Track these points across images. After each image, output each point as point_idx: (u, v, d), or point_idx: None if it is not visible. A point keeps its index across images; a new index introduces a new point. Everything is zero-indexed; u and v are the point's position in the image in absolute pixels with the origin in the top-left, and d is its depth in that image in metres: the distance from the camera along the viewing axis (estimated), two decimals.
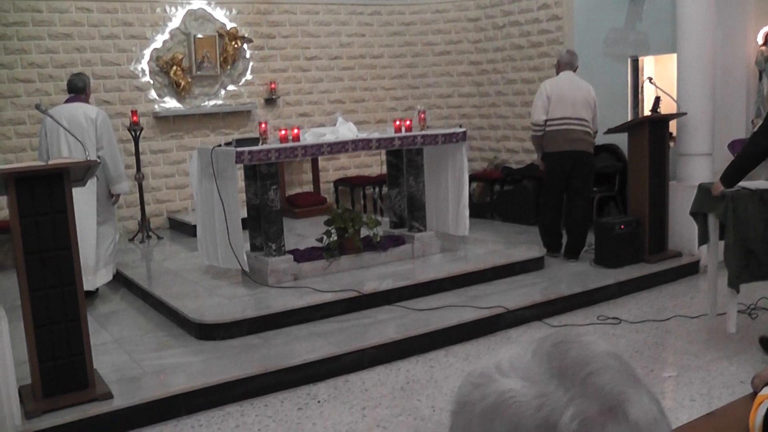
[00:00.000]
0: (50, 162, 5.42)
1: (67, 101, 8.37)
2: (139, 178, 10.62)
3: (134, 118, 10.31)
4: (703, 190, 6.68)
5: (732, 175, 6.34)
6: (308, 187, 12.68)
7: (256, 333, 6.72)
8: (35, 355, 5.34)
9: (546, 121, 8.81)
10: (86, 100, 8.43)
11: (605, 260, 8.54)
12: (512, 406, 0.88)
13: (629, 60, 10.86)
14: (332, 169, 12.93)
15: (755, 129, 7.76)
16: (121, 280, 8.98)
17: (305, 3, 12.78)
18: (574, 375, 0.88)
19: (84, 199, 7.22)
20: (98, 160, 5.60)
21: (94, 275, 8.00)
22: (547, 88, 8.90)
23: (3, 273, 9.57)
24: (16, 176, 5.24)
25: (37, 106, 5.98)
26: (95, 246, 8.02)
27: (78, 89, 8.39)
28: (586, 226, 9.07)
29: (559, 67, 9.13)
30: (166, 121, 11.67)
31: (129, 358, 6.42)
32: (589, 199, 9.37)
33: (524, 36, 12.33)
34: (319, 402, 5.76)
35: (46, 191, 5.31)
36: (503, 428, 0.87)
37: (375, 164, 13.02)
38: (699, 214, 6.77)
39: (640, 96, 10.88)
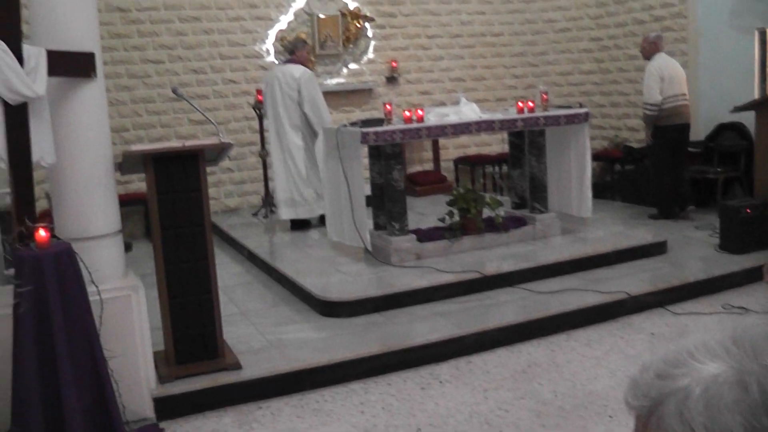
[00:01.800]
0: (187, 144, 5.62)
1: (285, 62, 9.83)
2: (263, 154, 10.86)
3: (259, 97, 10.54)
4: None
5: None
6: (428, 166, 12.77)
7: (379, 311, 6.85)
8: (169, 325, 5.60)
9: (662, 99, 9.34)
10: (296, 61, 9.64)
11: (730, 246, 8.34)
12: (732, 390, 0.91)
13: (756, 32, 10.56)
14: (452, 147, 12.99)
15: None
16: (245, 254, 9.25)
17: None
18: None
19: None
20: (231, 143, 5.77)
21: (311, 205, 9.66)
22: (658, 69, 9.44)
23: (134, 241, 9.94)
24: (155, 156, 5.46)
25: (174, 90, 6.20)
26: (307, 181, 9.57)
27: (289, 51, 9.88)
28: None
29: (657, 48, 9.61)
30: None
31: (255, 330, 6.63)
32: None
33: (646, 10, 12.11)
34: (441, 382, 5.84)
35: (182, 170, 5.52)
36: (733, 415, 0.90)
37: (495, 143, 13.03)
38: None
39: (767, 71, 10.59)
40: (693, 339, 1.00)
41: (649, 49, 9.65)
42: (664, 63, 9.59)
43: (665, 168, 9.70)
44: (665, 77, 9.48)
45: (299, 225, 9.85)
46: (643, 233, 8.88)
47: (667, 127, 9.55)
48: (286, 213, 9.80)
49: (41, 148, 4.96)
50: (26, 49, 4.78)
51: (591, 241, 8.51)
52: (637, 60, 12.25)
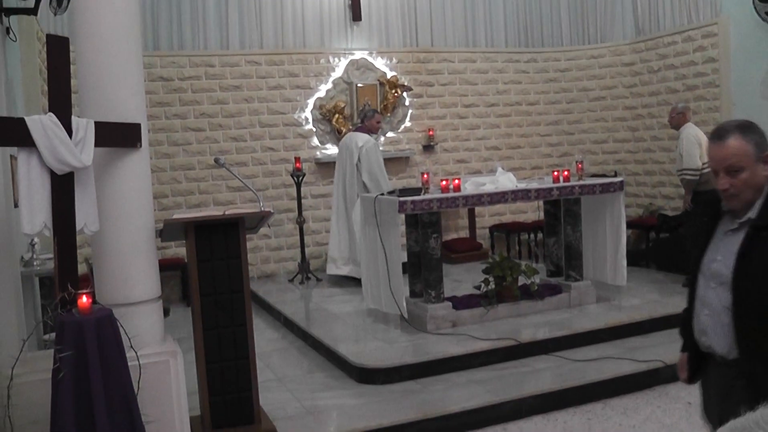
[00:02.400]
0: (228, 212, 5.72)
1: (356, 129, 10.29)
2: (300, 221, 10.99)
3: (297, 164, 10.71)
4: None
5: None
6: (464, 233, 12.83)
7: (415, 378, 6.87)
8: (206, 390, 5.64)
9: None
10: (364, 129, 10.07)
11: None
12: None
13: None
14: (488, 215, 13.06)
15: None
16: (281, 320, 9.32)
17: (463, 51, 13.03)
18: None
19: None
20: (271, 211, 5.88)
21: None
22: (696, 136, 9.58)
23: (170, 305, 10.06)
24: (196, 224, 5.56)
25: (216, 160, 6.33)
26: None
27: (360, 119, 10.23)
28: None
29: (685, 118, 9.83)
30: (327, 166, 12.05)
31: (291, 396, 6.67)
32: None
33: (679, 79, 12.21)
34: None
35: (222, 238, 5.61)
36: None
37: (530, 210, 13.09)
38: None
39: None
40: (760, 410, 1.07)
41: (678, 119, 9.86)
42: (696, 130, 9.79)
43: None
44: (702, 144, 9.57)
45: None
46: (678, 301, 8.81)
47: (706, 192, 9.58)
48: (332, 269, 10.30)
49: (85, 216, 5.06)
50: (75, 120, 4.91)
51: (626, 309, 8.50)
52: (670, 129, 12.33)
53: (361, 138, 9.95)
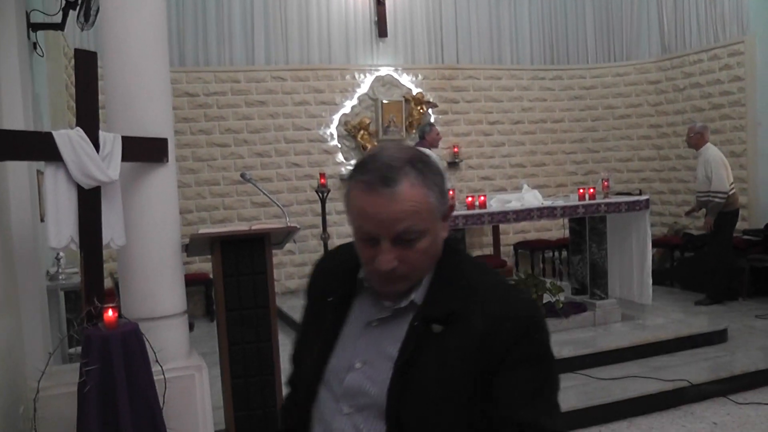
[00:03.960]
0: (254, 227, 5.74)
1: (415, 145, 9.75)
2: (325, 237, 11.00)
3: (322, 180, 10.72)
4: None
5: None
6: (488, 250, 12.80)
7: None
8: (231, 404, 5.63)
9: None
10: (425, 145, 9.90)
11: None
12: None
13: None
14: (512, 232, 13.03)
15: None
16: None
17: (488, 68, 13.05)
18: None
19: None
20: (297, 227, 5.88)
21: None
22: (721, 158, 9.75)
23: (195, 320, 10.07)
24: (222, 239, 5.57)
25: (242, 175, 6.34)
26: None
27: (420, 136, 10.19)
28: None
29: (704, 139, 9.95)
30: None
31: None
32: None
33: (705, 98, 12.18)
34: None
35: (248, 253, 5.61)
36: None
37: (555, 228, 13.06)
38: None
39: None
40: None
41: (696, 138, 9.94)
42: (719, 152, 9.93)
43: (729, 253, 10.00)
44: (727, 165, 9.82)
45: None
46: (703, 321, 8.82)
47: (728, 213, 9.85)
48: None
49: (112, 231, 5.08)
50: (102, 135, 4.94)
51: (651, 328, 8.44)
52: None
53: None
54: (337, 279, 2.13)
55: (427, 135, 10.19)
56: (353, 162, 12.10)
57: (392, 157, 1.89)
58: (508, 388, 1.88)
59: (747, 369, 7.45)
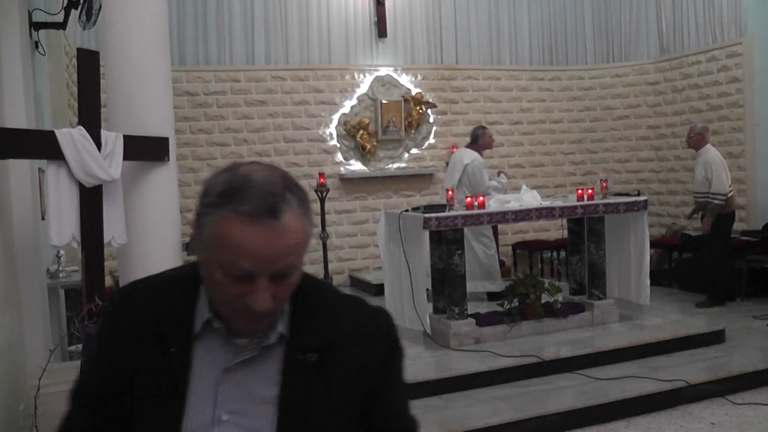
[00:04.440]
0: None
1: (467, 146, 10.31)
2: (324, 237, 11.03)
3: (321, 179, 10.75)
4: None
5: None
6: None
7: (438, 395, 6.86)
8: None
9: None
10: (476, 148, 10.04)
11: None
12: None
13: None
14: (511, 233, 13.05)
15: None
16: None
17: (488, 69, 13.09)
18: None
19: None
20: None
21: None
22: (721, 160, 9.80)
23: None
24: None
25: None
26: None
27: (472, 140, 10.27)
28: None
29: (704, 139, 9.97)
30: (350, 182, 12.12)
31: None
32: None
33: (703, 99, 12.21)
34: None
35: None
36: None
37: (553, 228, 13.09)
38: None
39: None
40: None
41: (696, 139, 9.95)
42: (718, 153, 9.95)
43: (728, 254, 10.00)
44: (726, 167, 9.83)
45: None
46: (701, 321, 8.84)
47: (726, 215, 9.85)
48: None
49: (113, 229, 5.12)
50: (104, 134, 4.97)
51: (649, 329, 8.47)
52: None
53: (468, 155, 9.97)
54: (167, 323, 1.79)
55: (480, 138, 10.16)
56: (352, 161, 12.14)
57: (270, 182, 1.65)
58: (390, 402, 1.89)
59: (745, 369, 7.47)
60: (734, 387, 7.23)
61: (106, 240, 5.09)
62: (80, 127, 4.85)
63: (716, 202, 9.58)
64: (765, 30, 10.84)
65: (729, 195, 9.68)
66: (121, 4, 5.39)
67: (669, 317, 8.93)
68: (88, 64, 4.99)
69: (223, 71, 11.56)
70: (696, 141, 9.95)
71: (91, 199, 4.94)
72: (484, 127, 10.44)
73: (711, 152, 9.81)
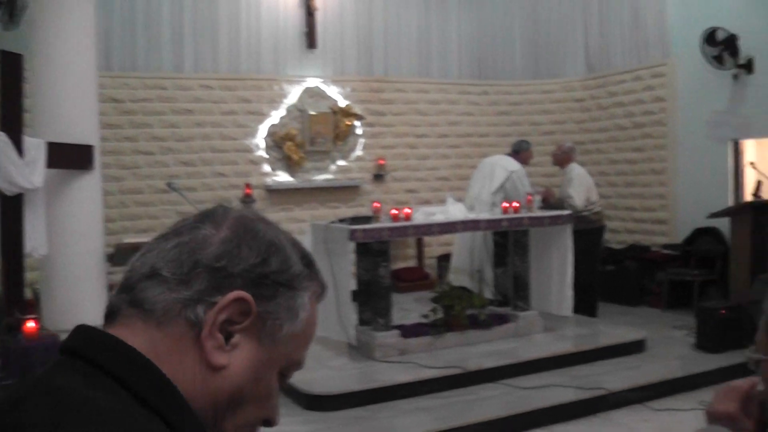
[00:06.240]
0: None
1: (507, 154, 10.47)
2: None
3: (247, 190, 10.73)
4: (764, 281, 7.80)
5: None
6: (412, 262, 12.89)
7: (363, 406, 6.87)
8: None
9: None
10: (518, 160, 10.16)
11: (707, 345, 8.49)
12: None
13: (731, 143, 10.93)
14: (436, 245, 13.12)
15: None
16: None
17: (417, 82, 13.16)
18: None
19: None
20: None
21: None
22: (586, 178, 10.14)
23: None
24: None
25: (169, 185, 6.34)
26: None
27: (514, 151, 10.45)
28: None
29: (570, 158, 10.33)
30: (277, 193, 12.08)
31: None
32: None
33: (628, 117, 12.46)
34: None
35: None
36: None
37: None
38: (758, 301, 7.20)
39: (741, 180, 10.91)
40: None
41: (564, 158, 10.35)
42: (584, 172, 10.30)
43: (594, 266, 10.14)
44: (589, 186, 10.18)
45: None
46: (622, 332, 9.00)
47: (593, 231, 10.05)
48: (456, 280, 9.94)
49: (34, 239, 5.05)
50: (26, 140, 4.91)
51: (572, 339, 8.62)
52: (618, 164, 12.59)
53: (512, 163, 10.07)
54: None
55: (522, 152, 10.33)
56: (279, 172, 12.11)
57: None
58: None
59: (664, 377, 7.70)
60: (653, 394, 7.43)
61: (26, 250, 5.02)
62: (1, 132, 4.79)
63: (569, 208, 9.74)
64: (688, 52, 11.10)
65: (594, 211, 9.99)
66: (48, 7, 5.34)
67: (591, 328, 9.09)
68: (11, 67, 4.92)
69: (150, 78, 11.40)
70: (562, 159, 10.25)
71: (11, 208, 4.87)
72: (528, 143, 10.71)
73: (576, 170, 10.11)
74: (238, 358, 1.15)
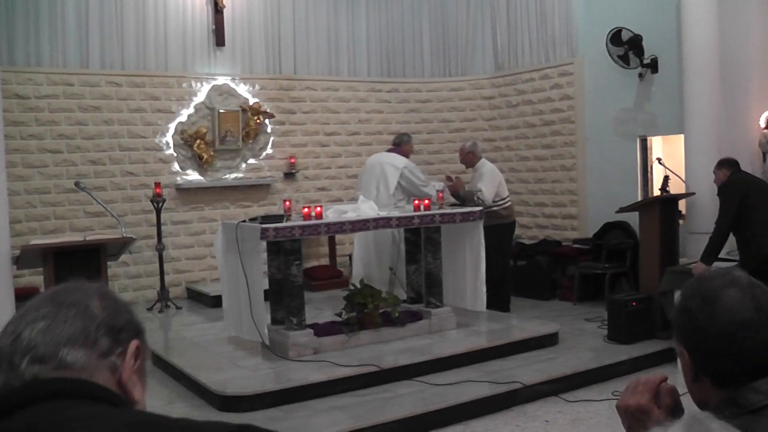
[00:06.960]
0: (88, 238, 5.63)
1: (388, 150, 10.35)
2: (160, 248, 10.84)
3: (157, 189, 10.56)
4: (673, 273, 8.14)
5: (711, 254, 7.70)
6: (325, 260, 12.87)
7: (277, 406, 6.83)
8: None
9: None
10: (401, 153, 10.01)
11: (618, 336, 8.68)
12: None
13: (638, 140, 11.18)
14: (348, 243, 13.09)
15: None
16: None
17: (326, 80, 13.15)
18: None
19: None
20: (133, 237, 5.79)
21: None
22: (496, 173, 10.24)
23: None
24: (55, 251, 5.44)
25: (77, 184, 6.22)
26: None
27: (395, 144, 10.37)
28: None
29: (476, 156, 10.39)
30: (187, 193, 11.95)
31: None
32: None
33: (537, 114, 12.66)
34: None
35: (83, 265, 5.50)
36: None
37: None
38: (668, 292, 7.93)
39: (649, 175, 11.16)
40: None
41: (469, 157, 10.42)
42: (494, 167, 10.42)
43: (506, 261, 10.41)
44: (501, 182, 10.29)
45: None
46: (535, 325, 9.11)
47: (506, 226, 10.23)
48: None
49: None
50: None
51: (486, 334, 8.70)
52: (528, 161, 12.78)
53: (400, 159, 9.94)
54: None
55: (404, 145, 10.25)
56: (189, 171, 11.97)
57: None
58: None
59: (577, 369, 7.85)
60: (567, 386, 7.58)
61: None
62: None
63: (485, 205, 9.80)
64: (594, 51, 11.32)
65: (504, 206, 10.14)
66: None
67: (505, 322, 9.20)
68: None
69: (55, 74, 11.10)
70: (468, 159, 10.37)
71: None
72: (409, 135, 10.72)
73: (487, 165, 10.24)
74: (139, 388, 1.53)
